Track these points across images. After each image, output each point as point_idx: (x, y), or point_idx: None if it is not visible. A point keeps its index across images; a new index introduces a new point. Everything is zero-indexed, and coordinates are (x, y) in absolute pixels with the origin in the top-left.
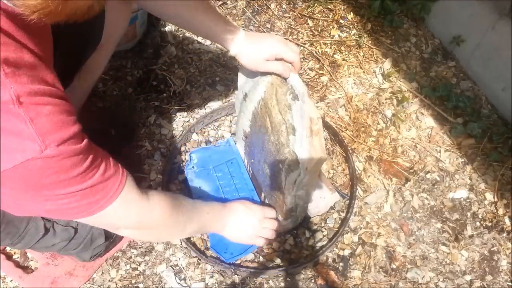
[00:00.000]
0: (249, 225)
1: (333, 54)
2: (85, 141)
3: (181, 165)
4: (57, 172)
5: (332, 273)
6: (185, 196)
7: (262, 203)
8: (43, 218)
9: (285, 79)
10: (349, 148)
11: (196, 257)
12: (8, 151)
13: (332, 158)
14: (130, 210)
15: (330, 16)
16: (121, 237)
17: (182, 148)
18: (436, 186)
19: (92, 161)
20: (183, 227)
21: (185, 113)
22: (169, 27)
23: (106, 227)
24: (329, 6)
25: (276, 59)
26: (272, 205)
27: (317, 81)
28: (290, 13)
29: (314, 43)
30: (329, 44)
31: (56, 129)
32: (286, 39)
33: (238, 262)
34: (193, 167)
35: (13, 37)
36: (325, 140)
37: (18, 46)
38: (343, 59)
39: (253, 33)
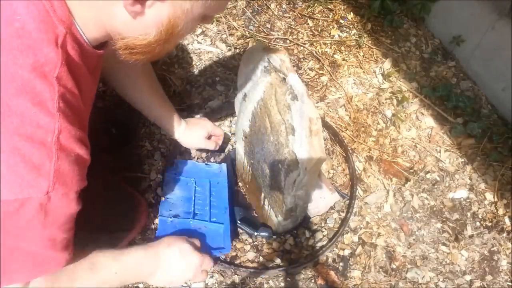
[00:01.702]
0: (182, 277)
1: (333, 54)
2: (79, 206)
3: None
4: (37, 222)
5: (332, 273)
6: (88, 257)
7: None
8: None
9: (284, 79)
10: (349, 148)
11: None
12: (20, 182)
13: (332, 158)
14: None
15: (330, 16)
16: (124, 237)
17: (182, 148)
18: (436, 186)
19: (66, 235)
20: None
21: (185, 113)
22: None
23: None
24: (329, 6)
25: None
26: (273, 208)
27: (317, 81)
28: (290, 13)
29: (314, 43)
30: (329, 44)
31: (70, 178)
32: (286, 39)
33: (238, 262)
34: (175, 173)
35: (76, 73)
36: (325, 140)
37: (77, 83)
38: (343, 59)
39: (190, 120)
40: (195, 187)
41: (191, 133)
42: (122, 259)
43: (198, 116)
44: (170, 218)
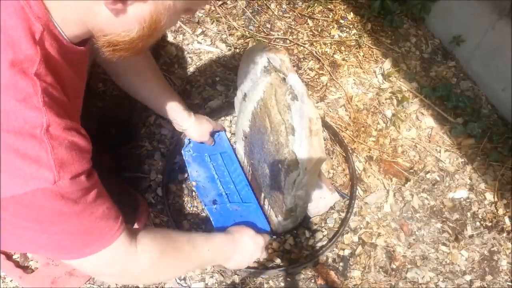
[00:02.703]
0: (252, 257)
1: (333, 54)
2: (94, 181)
3: (181, 165)
4: (62, 206)
5: (332, 273)
6: (182, 233)
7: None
8: None
9: (284, 79)
10: (349, 148)
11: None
12: (23, 176)
13: (332, 158)
14: (116, 260)
15: (330, 16)
16: None
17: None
18: (436, 186)
19: (96, 203)
20: (179, 267)
21: None
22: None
23: (91, 273)
24: (329, 6)
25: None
26: (273, 208)
27: (317, 81)
28: (290, 13)
29: (314, 43)
30: (329, 44)
31: (72, 162)
32: (286, 39)
33: None
34: (189, 150)
35: (56, 69)
36: (325, 140)
37: (58, 79)
38: (343, 59)
39: (198, 116)
40: (211, 163)
41: (200, 126)
42: (212, 240)
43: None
44: (214, 206)
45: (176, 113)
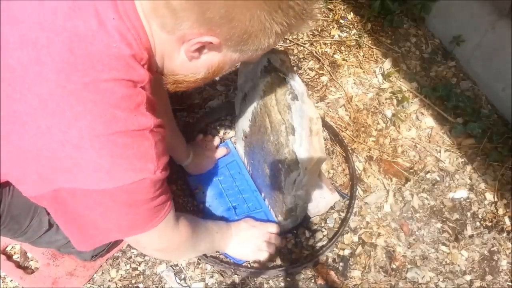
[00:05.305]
0: (252, 242)
1: (333, 54)
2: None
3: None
4: (152, 192)
5: (332, 273)
6: (198, 218)
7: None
8: (48, 213)
9: (285, 79)
10: (349, 148)
11: (196, 257)
12: (133, 168)
13: (332, 158)
14: (165, 235)
15: (330, 16)
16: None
17: None
18: (436, 186)
19: (165, 186)
20: (198, 247)
21: (185, 113)
22: None
23: (137, 246)
24: (329, 6)
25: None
26: (273, 208)
27: (317, 81)
28: None
29: (314, 43)
30: (329, 44)
31: (163, 154)
32: (286, 39)
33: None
34: (195, 174)
35: (151, 83)
36: (325, 140)
37: (151, 92)
38: (343, 59)
39: (196, 151)
40: (217, 179)
41: (197, 165)
42: (216, 224)
43: (197, 140)
44: None
45: (176, 153)
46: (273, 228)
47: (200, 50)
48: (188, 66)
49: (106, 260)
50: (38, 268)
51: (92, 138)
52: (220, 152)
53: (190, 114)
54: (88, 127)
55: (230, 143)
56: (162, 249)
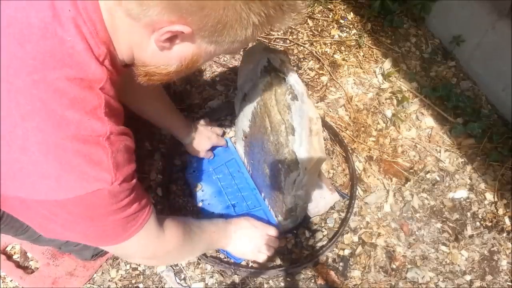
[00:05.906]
0: (252, 242)
1: (333, 54)
2: (136, 177)
3: (181, 165)
4: (113, 204)
5: (332, 273)
6: (192, 219)
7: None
8: None
9: (284, 79)
10: (349, 148)
11: (196, 256)
12: (87, 178)
13: (332, 158)
14: (148, 243)
15: (330, 16)
16: None
17: (182, 148)
18: (436, 186)
19: (137, 197)
20: (193, 250)
21: (185, 113)
22: None
23: (123, 256)
24: (329, 6)
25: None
26: (273, 208)
27: (317, 81)
28: None
29: (314, 43)
30: (329, 44)
31: (124, 165)
32: (286, 39)
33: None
34: (194, 170)
35: (114, 83)
36: (325, 140)
37: (115, 91)
38: (343, 59)
39: (199, 128)
40: (216, 177)
41: (197, 142)
42: (214, 223)
43: (202, 121)
44: None
45: (177, 131)
46: (272, 232)
47: (172, 40)
48: (159, 57)
49: (106, 260)
50: (38, 268)
51: (39, 142)
52: (221, 139)
53: (190, 114)
54: (35, 128)
55: (230, 142)
56: (150, 257)
